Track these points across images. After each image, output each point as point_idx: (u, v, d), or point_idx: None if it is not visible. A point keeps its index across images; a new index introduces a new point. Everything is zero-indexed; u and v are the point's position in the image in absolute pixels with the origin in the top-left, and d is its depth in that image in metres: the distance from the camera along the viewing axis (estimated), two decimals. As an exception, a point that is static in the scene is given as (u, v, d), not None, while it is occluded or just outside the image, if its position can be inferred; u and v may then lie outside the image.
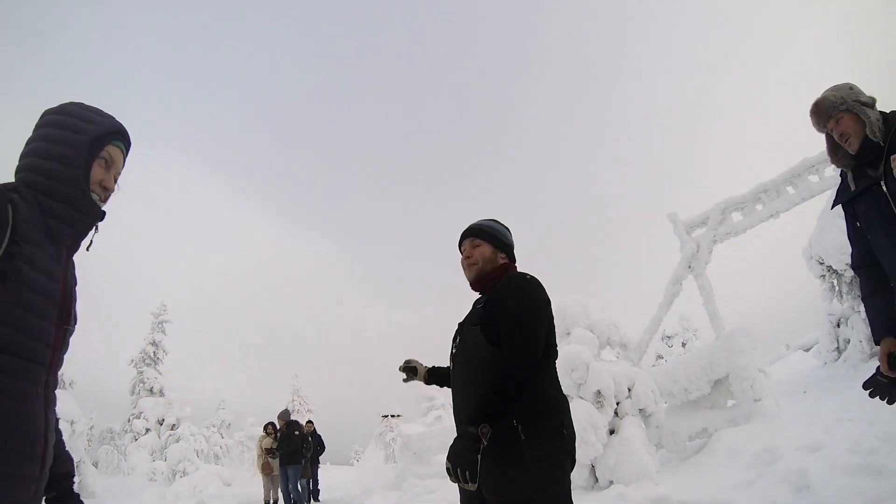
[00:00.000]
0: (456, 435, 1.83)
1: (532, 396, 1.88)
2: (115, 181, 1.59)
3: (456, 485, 1.80)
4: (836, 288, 13.49)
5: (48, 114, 1.53)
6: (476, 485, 1.71)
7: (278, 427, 10.50)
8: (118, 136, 1.58)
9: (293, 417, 11.37)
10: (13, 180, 1.48)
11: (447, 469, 1.76)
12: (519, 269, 2.26)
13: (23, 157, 1.49)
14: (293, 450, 10.25)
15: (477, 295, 2.28)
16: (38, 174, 1.44)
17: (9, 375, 1.30)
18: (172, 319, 25.87)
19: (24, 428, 1.32)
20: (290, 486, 10.26)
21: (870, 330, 2.59)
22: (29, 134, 1.53)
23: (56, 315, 1.42)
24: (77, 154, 1.46)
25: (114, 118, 1.58)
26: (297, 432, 10.56)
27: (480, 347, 1.96)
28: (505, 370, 1.80)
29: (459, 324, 2.21)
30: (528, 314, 1.92)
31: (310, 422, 12.21)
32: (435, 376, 2.51)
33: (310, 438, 11.23)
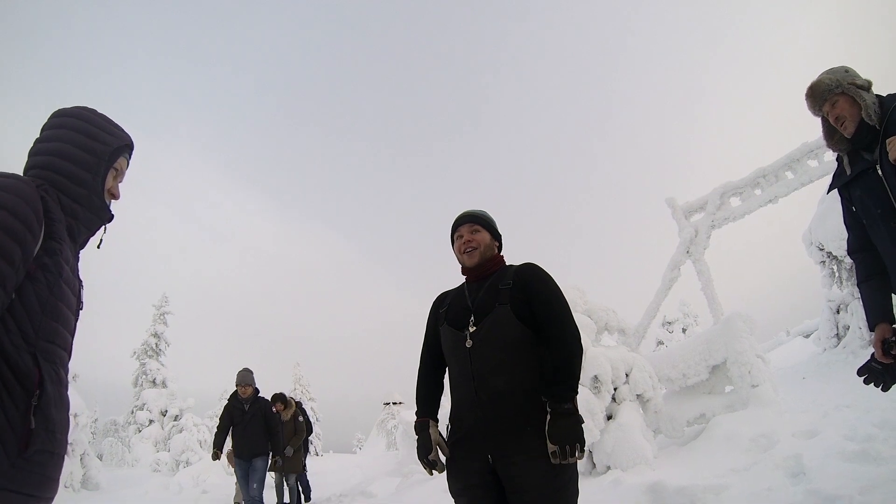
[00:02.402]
0: (485, 409, 2.01)
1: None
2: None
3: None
4: (836, 274, 13.48)
5: (65, 116, 1.60)
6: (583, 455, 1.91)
7: (242, 397, 6.76)
8: (128, 149, 1.71)
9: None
10: (20, 173, 1.51)
11: (554, 452, 1.88)
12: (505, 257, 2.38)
13: (39, 154, 1.55)
14: (256, 432, 6.60)
15: (463, 278, 2.35)
16: (62, 175, 1.52)
17: (59, 367, 1.43)
18: (174, 311, 25.93)
19: (67, 413, 1.47)
20: (256, 486, 6.53)
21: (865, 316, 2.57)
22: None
23: (75, 307, 1.55)
24: (98, 162, 1.58)
25: (126, 132, 1.70)
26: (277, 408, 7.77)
27: (513, 326, 2.06)
28: (575, 350, 2.01)
29: (464, 304, 2.21)
30: (566, 301, 2.12)
31: (298, 403, 9.20)
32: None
33: (300, 419, 8.48)
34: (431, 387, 2.31)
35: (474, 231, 2.29)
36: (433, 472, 2.17)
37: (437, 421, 2.24)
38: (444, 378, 2.34)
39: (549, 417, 1.92)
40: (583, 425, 1.95)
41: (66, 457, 1.53)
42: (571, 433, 1.88)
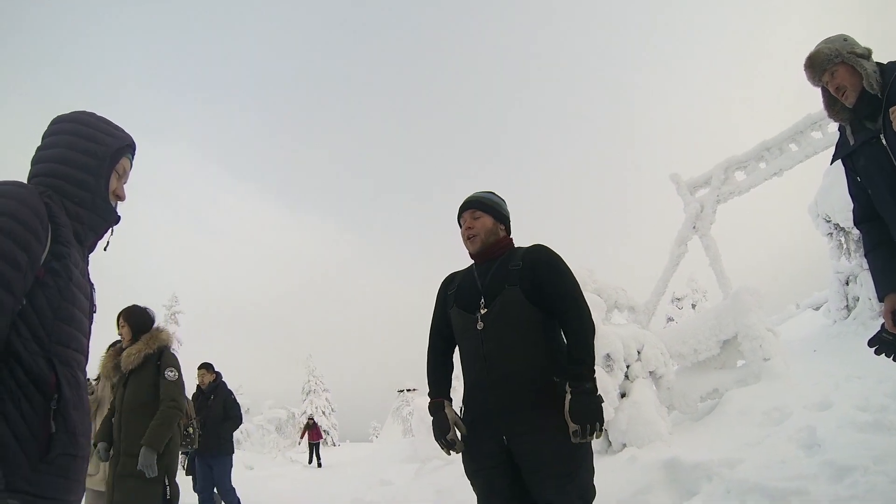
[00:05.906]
0: (499, 389, 2.04)
1: (562, 355, 2.10)
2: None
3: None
4: (844, 245, 13.34)
5: (64, 122, 1.60)
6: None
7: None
8: (130, 149, 1.69)
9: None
10: (23, 181, 1.51)
11: (575, 431, 1.89)
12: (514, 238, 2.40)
13: (41, 161, 1.55)
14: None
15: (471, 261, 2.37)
16: (64, 180, 1.51)
17: (77, 370, 1.45)
18: (185, 310, 25.98)
19: (88, 416, 1.49)
20: None
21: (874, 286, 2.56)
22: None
23: (89, 310, 1.56)
24: (100, 165, 1.56)
25: (127, 132, 1.68)
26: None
27: (523, 307, 2.09)
28: (589, 330, 2.04)
29: (474, 286, 2.23)
30: (576, 281, 2.16)
31: (208, 366, 6.42)
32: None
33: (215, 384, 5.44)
34: (442, 367, 2.32)
35: (475, 217, 2.30)
36: (451, 452, 2.18)
37: (450, 400, 2.24)
38: (453, 358, 2.35)
39: (569, 397, 1.93)
40: (602, 404, 1.98)
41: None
42: (593, 411, 1.91)
